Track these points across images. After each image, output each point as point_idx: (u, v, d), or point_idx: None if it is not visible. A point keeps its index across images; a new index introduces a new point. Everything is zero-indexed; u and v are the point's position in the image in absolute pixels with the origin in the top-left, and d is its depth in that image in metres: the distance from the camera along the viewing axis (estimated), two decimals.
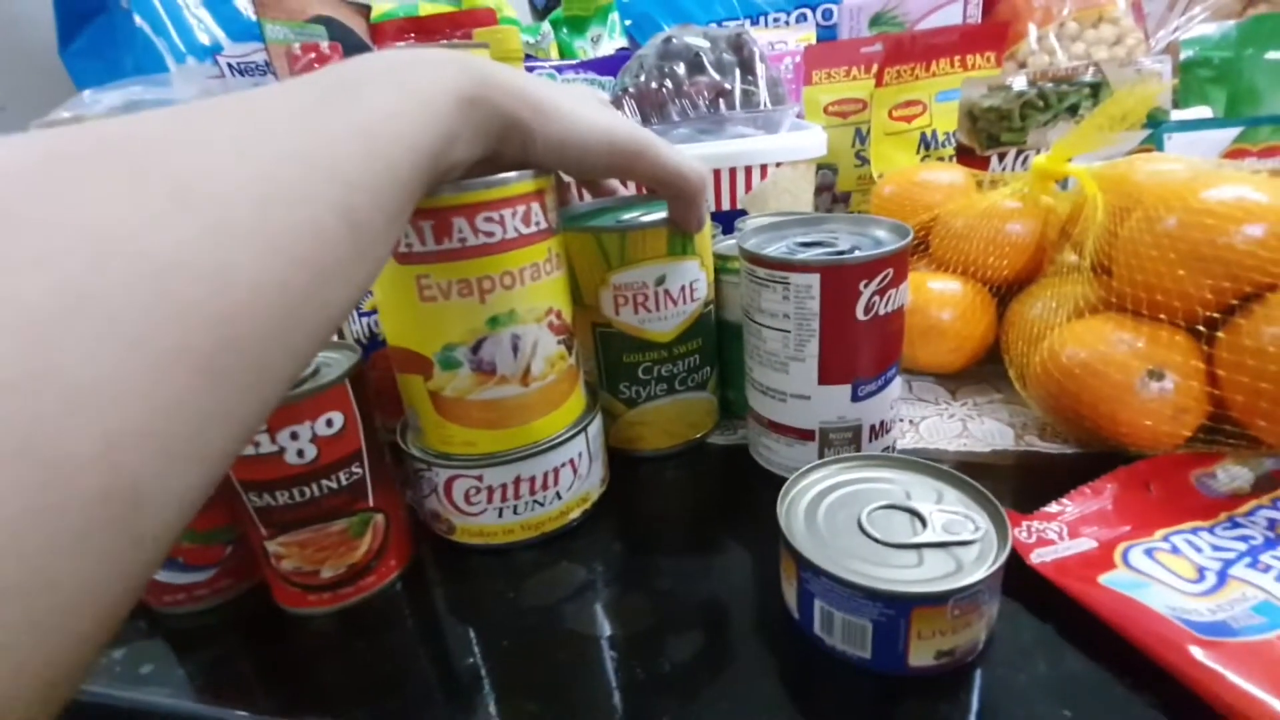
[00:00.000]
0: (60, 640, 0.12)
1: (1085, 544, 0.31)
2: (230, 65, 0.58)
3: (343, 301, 0.19)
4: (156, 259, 0.13)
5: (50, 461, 0.11)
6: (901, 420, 0.43)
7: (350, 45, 0.58)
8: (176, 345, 0.13)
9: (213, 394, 0.14)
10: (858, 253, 0.33)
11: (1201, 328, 0.34)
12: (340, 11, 0.64)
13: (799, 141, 0.52)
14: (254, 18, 0.57)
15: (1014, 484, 0.37)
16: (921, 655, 0.25)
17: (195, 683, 0.30)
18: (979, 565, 0.25)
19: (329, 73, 0.22)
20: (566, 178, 0.41)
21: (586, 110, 0.30)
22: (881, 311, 0.34)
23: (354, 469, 0.31)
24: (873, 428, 0.36)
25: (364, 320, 0.42)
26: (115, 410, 0.12)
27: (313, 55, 0.46)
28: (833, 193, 0.70)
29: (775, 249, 0.35)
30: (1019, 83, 0.53)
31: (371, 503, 0.32)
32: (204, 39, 0.57)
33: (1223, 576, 0.28)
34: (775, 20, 0.82)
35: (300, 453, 0.29)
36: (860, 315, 0.33)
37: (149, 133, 0.16)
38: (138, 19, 0.53)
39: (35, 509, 0.11)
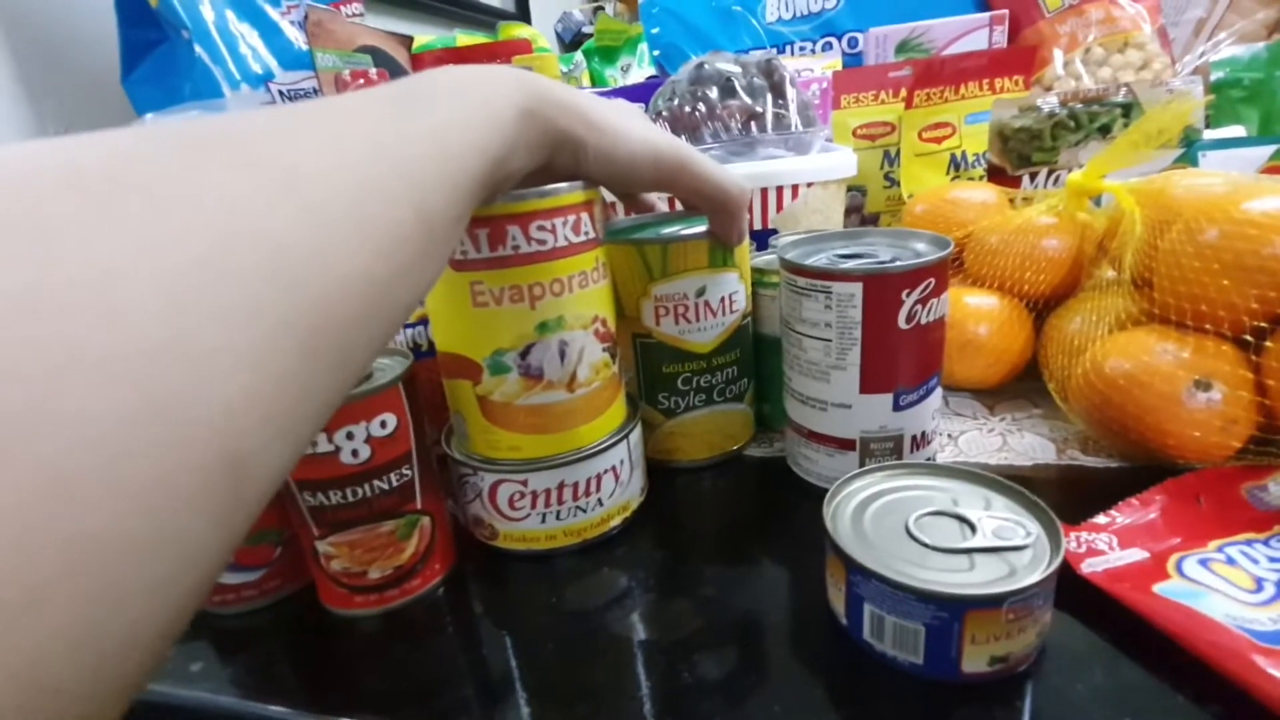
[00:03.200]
0: (173, 596, 0.13)
1: (1136, 554, 0.30)
2: (281, 92, 0.61)
3: (412, 298, 0.20)
4: (272, 238, 0.14)
5: (181, 424, 0.12)
6: (940, 434, 0.42)
7: (395, 73, 0.61)
8: (283, 321, 0.14)
9: (309, 371, 0.15)
10: (899, 262, 0.34)
11: (1249, 338, 0.33)
12: (385, 42, 0.67)
13: (829, 162, 0.53)
14: (305, 47, 0.60)
15: (1058, 498, 0.37)
16: (975, 661, 0.25)
17: (243, 681, 0.31)
18: (1033, 569, 0.25)
19: (401, 84, 0.23)
20: (610, 196, 0.42)
21: (635, 125, 0.31)
22: (923, 321, 0.34)
23: (404, 470, 0.32)
24: (914, 438, 0.36)
25: (409, 331, 0.43)
26: (236, 379, 0.13)
27: (361, 81, 0.49)
28: (861, 214, 0.71)
29: (816, 260, 0.36)
30: (1050, 103, 0.54)
31: (419, 505, 0.33)
32: (257, 68, 0.60)
33: None
34: (801, 49, 0.84)
35: (355, 452, 0.30)
36: (902, 324, 0.34)
37: (254, 126, 0.17)
38: (198, 49, 0.56)
39: (165, 470, 0.12)
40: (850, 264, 0.35)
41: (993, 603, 0.24)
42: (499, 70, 0.26)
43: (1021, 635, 0.25)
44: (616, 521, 0.36)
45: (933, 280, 0.33)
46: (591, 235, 0.33)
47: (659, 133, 0.32)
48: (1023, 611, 0.25)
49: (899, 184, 0.65)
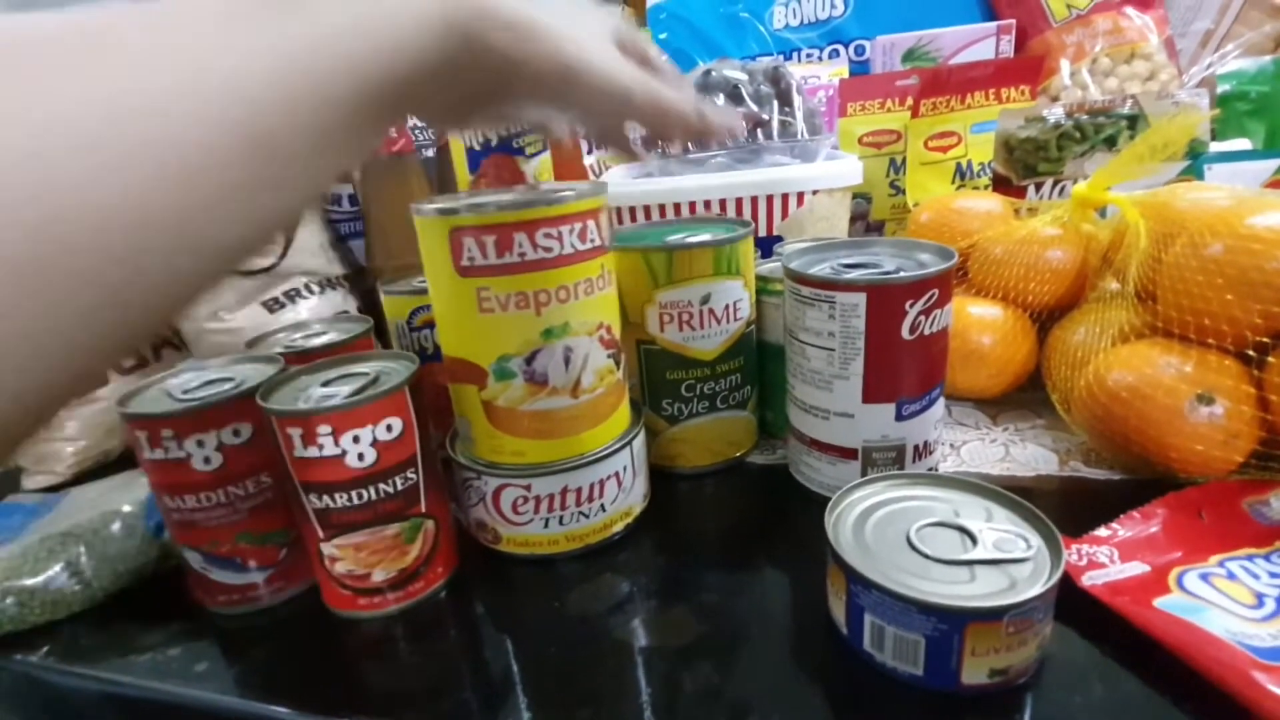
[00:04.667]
0: None
1: (1137, 567, 0.30)
2: None
3: (251, 221, 0.19)
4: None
5: None
6: (943, 444, 0.42)
7: None
8: None
9: (37, 307, 0.15)
10: (903, 273, 0.34)
11: (1252, 352, 0.34)
12: None
13: (835, 169, 0.54)
14: None
15: (1060, 509, 0.37)
16: (975, 673, 0.25)
17: (247, 681, 0.31)
18: (1033, 582, 0.25)
19: None
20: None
21: (588, 43, 0.26)
22: (926, 331, 0.34)
23: (409, 474, 0.32)
24: (916, 448, 0.37)
25: (414, 335, 0.43)
26: None
27: None
28: (866, 222, 0.71)
29: (820, 269, 0.36)
30: (1056, 114, 0.54)
31: (424, 508, 0.33)
32: None
33: None
34: (809, 56, 0.85)
35: (361, 456, 0.30)
36: (905, 334, 0.34)
37: (65, 34, 0.16)
38: None
39: None
40: (854, 274, 0.35)
41: (993, 615, 0.24)
42: None
43: (1022, 648, 0.25)
44: (619, 527, 0.37)
45: (936, 291, 0.33)
46: (597, 243, 0.33)
47: (612, 53, 0.28)
48: (1023, 624, 0.25)
49: (904, 192, 0.65)
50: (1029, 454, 0.41)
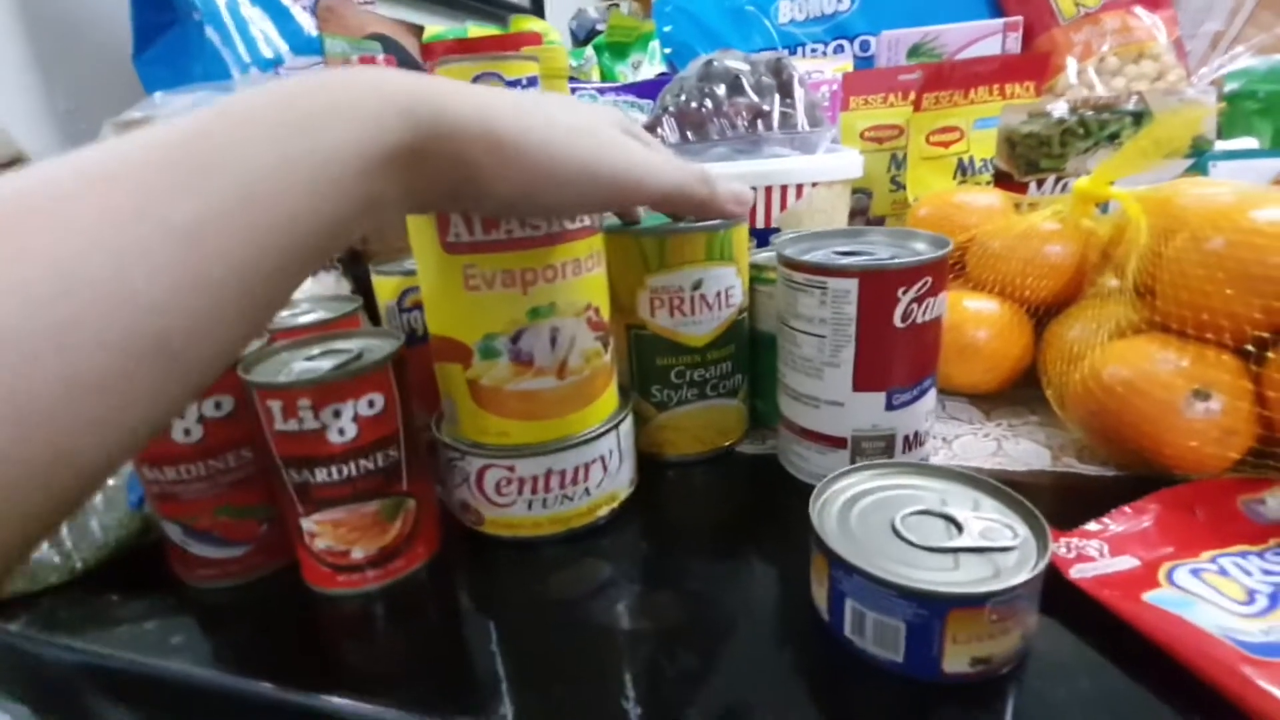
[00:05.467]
0: None
1: (1127, 562, 0.30)
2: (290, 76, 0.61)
3: (133, 430, 0.16)
4: None
5: None
6: (935, 438, 0.42)
7: (403, 61, 0.61)
8: None
9: None
10: (896, 260, 0.34)
11: (1251, 348, 0.33)
12: (395, 30, 0.67)
13: (835, 162, 0.53)
14: (316, 33, 0.60)
15: (1051, 504, 0.36)
16: (956, 661, 0.25)
17: (223, 655, 0.31)
18: (1018, 570, 0.25)
19: (211, 118, 0.18)
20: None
21: (561, 143, 0.25)
22: (919, 320, 0.34)
23: (391, 451, 0.32)
24: (906, 439, 0.36)
25: (404, 316, 0.43)
26: None
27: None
28: (867, 217, 0.70)
29: (814, 256, 0.36)
30: (1059, 109, 0.53)
31: (405, 487, 0.32)
32: (267, 52, 0.60)
33: (1275, 599, 0.27)
34: (813, 50, 0.84)
35: (341, 431, 0.30)
36: (898, 322, 0.33)
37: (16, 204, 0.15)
38: (209, 31, 0.57)
39: None
40: (846, 260, 0.34)
41: (975, 602, 0.24)
42: (374, 89, 0.21)
43: (1005, 637, 0.25)
44: (603, 511, 0.36)
45: (930, 279, 0.33)
46: (586, 222, 0.33)
47: (596, 147, 0.26)
48: (1006, 612, 0.24)
49: (905, 187, 0.65)
50: (1022, 449, 0.41)
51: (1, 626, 0.33)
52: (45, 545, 0.35)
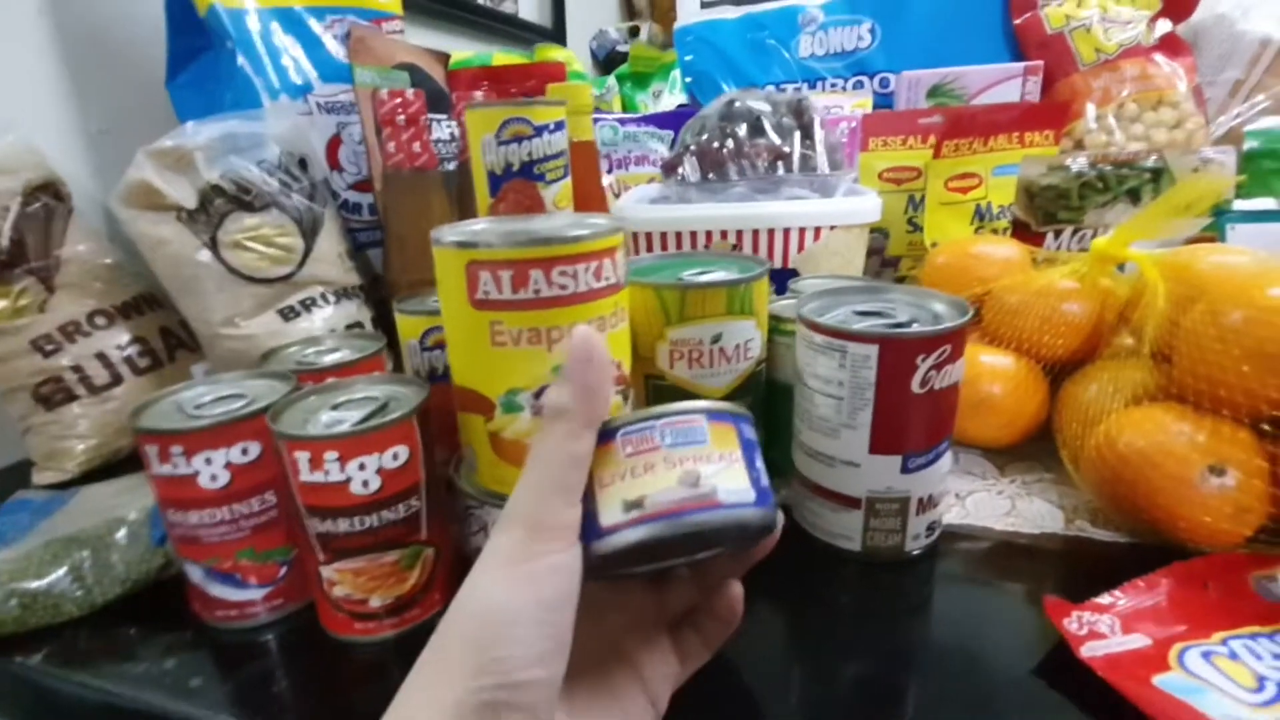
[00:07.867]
0: None
1: (1139, 640, 0.30)
2: (319, 104, 0.62)
3: None
4: None
5: None
6: (948, 493, 0.42)
7: (430, 91, 0.62)
8: None
9: None
10: (916, 326, 0.34)
11: (1266, 426, 0.33)
12: (423, 59, 0.68)
13: (854, 206, 0.54)
14: (345, 60, 0.61)
15: (1062, 570, 0.37)
16: (611, 511, 0.23)
17: (241, 699, 0.31)
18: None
19: None
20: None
21: None
22: (937, 386, 0.34)
23: (412, 501, 0.32)
24: (920, 500, 0.36)
25: (425, 355, 0.44)
26: None
27: (398, 101, 0.49)
28: (882, 256, 0.71)
29: (833, 316, 0.36)
30: (1079, 163, 0.53)
31: (424, 536, 0.33)
32: (297, 79, 0.61)
33: None
34: (833, 85, 0.85)
35: (365, 483, 0.30)
36: (915, 388, 0.34)
37: None
38: (240, 59, 0.58)
39: None
40: (866, 324, 0.35)
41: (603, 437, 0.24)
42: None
43: (649, 473, 0.23)
44: None
45: (949, 347, 0.33)
46: (613, 281, 0.33)
47: None
48: (643, 443, 0.24)
49: (922, 229, 0.65)
50: (1035, 509, 0.41)
51: (21, 660, 0.34)
52: (68, 579, 0.35)
